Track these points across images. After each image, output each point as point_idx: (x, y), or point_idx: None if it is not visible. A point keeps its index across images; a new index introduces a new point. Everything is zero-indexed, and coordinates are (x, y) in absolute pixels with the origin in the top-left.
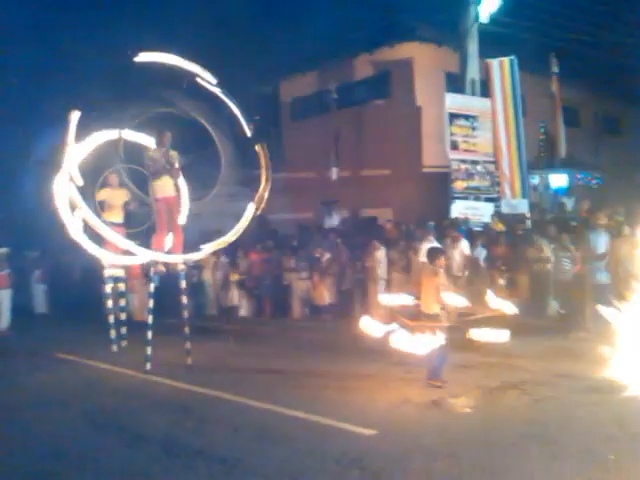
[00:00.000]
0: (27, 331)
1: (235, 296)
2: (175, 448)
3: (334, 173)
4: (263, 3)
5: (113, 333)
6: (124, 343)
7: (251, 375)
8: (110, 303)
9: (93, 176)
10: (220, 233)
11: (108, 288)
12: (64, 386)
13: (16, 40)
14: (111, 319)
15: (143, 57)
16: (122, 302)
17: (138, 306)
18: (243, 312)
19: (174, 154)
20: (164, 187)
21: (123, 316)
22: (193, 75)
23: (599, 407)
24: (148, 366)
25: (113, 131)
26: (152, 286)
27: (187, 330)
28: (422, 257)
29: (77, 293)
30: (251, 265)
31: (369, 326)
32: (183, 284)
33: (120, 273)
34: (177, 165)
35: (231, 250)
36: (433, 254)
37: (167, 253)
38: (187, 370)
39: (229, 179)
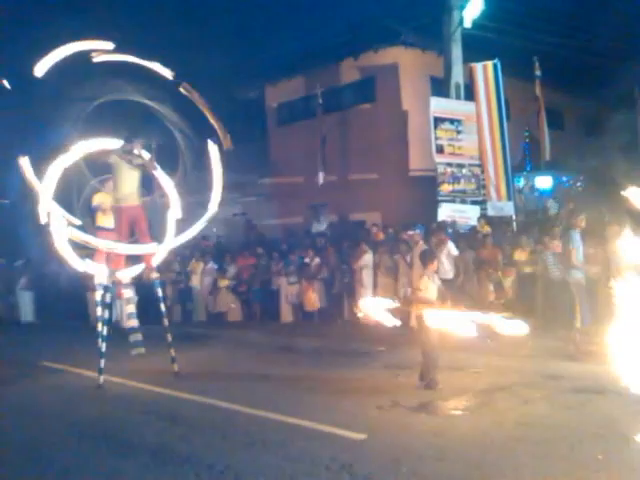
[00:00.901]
0: (13, 339)
1: (224, 302)
2: (164, 456)
3: (321, 178)
4: (248, 9)
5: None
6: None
7: (240, 381)
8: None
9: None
10: (206, 239)
11: (98, 295)
12: (50, 395)
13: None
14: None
15: (99, 59)
16: (129, 309)
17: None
18: (232, 317)
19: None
20: (128, 196)
21: (132, 323)
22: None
23: (587, 407)
24: (101, 380)
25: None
26: (98, 294)
27: (169, 338)
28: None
29: (63, 301)
30: (240, 270)
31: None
32: (159, 292)
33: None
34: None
35: (219, 256)
36: (425, 257)
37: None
38: (175, 377)
39: (188, 178)
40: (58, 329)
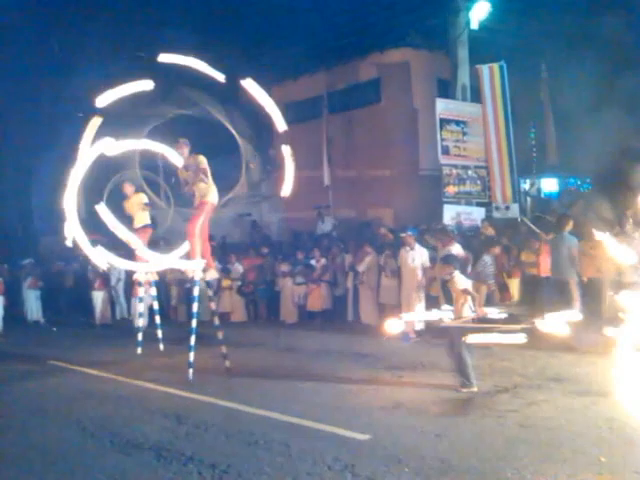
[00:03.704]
0: (19, 338)
1: (227, 302)
2: (167, 454)
3: (326, 178)
4: (255, 8)
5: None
6: (161, 346)
7: (243, 381)
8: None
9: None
10: (210, 238)
11: (141, 292)
12: (56, 393)
13: (20, 40)
14: (194, 323)
15: (165, 58)
16: (155, 305)
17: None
18: (237, 317)
19: (200, 158)
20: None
21: (157, 319)
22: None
23: (591, 410)
24: (190, 373)
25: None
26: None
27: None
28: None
29: (69, 300)
30: (246, 271)
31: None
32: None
33: (154, 277)
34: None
35: (223, 256)
36: (444, 261)
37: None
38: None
39: (250, 181)
40: (64, 328)
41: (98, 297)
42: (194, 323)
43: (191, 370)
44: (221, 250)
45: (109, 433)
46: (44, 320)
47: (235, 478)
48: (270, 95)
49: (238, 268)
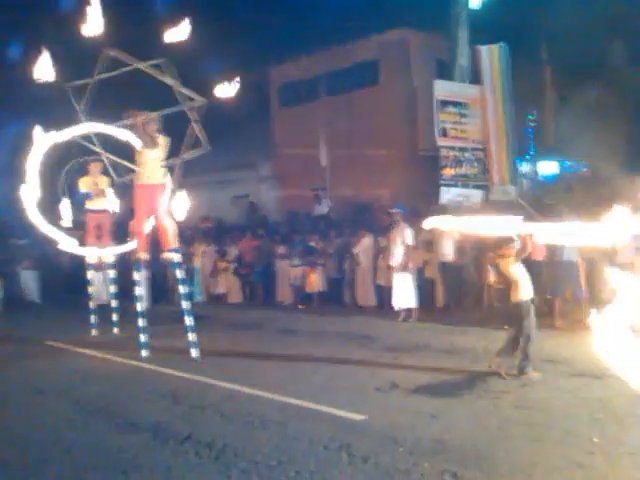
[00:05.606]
0: (17, 319)
1: (224, 283)
2: (164, 434)
3: (324, 159)
4: None
5: (93, 318)
6: (115, 330)
7: (241, 362)
8: (91, 289)
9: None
10: (205, 219)
11: (89, 274)
12: (54, 373)
13: None
14: (92, 305)
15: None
16: (112, 289)
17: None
18: (233, 299)
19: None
20: (147, 175)
21: (114, 303)
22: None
23: (584, 391)
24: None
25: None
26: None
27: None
28: None
29: (67, 280)
30: (242, 252)
31: None
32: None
33: (110, 259)
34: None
35: (220, 237)
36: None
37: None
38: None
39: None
40: (62, 308)
41: (95, 278)
42: (184, 305)
43: (193, 350)
44: (217, 232)
45: (107, 413)
46: (42, 301)
47: (231, 457)
48: (269, 76)
49: (234, 250)
